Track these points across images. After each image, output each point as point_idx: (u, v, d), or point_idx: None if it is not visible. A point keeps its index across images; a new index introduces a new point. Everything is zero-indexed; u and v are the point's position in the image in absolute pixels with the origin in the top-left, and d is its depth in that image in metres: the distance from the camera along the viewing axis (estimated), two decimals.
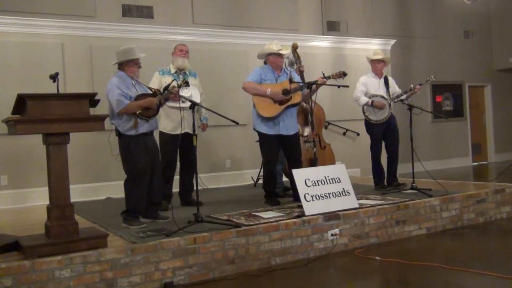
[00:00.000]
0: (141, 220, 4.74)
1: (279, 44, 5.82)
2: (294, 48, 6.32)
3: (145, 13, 8.18)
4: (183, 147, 5.64)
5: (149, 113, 4.74)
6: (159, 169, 4.98)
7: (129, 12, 8.07)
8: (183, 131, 5.58)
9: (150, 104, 4.72)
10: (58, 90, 3.97)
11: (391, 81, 6.79)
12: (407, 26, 11.52)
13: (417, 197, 5.60)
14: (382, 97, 6.53)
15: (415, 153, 6.11)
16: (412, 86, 6.55)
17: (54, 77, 3.98)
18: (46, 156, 3.89)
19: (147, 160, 4.77)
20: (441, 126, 12.00)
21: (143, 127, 4.73)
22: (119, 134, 4.72)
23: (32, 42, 7.15)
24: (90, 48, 7.51)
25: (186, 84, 5.01)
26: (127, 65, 4.78)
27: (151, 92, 4.89)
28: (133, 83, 4.81)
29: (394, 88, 6.77)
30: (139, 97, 4.72)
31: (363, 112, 6.61)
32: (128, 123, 4.66)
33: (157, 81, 5.77)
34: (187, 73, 5.97)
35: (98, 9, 7.81)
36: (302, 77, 6.16)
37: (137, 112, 4.66)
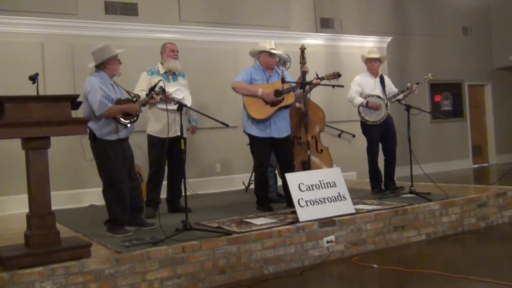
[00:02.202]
0: (126, 229, 4.72)
1: (272, 43, 5.82)
2: (302, 50, 6.32)
3: (129, 10, 8.16)
4: (172, 151, 5.63)
5: (130, 119, 4.75)
6: (135, 174, 5.01)
7: (112, 9, 8.04)
8: (174, 134, 5.58)
9: (132, 110, 4.73)
10: (38, 92, 3.95)
11: (387, 80, 6.82)
12: (404, 23, 11.57)
13: (416, 202, 5.63)
14: (378, 97, 6.56)
15: (413, 155, 6.13)
16: (409, 85, 6.59)
17: (33, 78, 3.96)
18: (26, 161, 3.87)
19: (125, 166, 4.77)
20: (440, 127, 12.06)
21: (122, 133, 4.73)
22: (93, 138, 4.67)
23: (10, 42, 7.09)
24: (72, 47, 7.46)
25: (163, 92, 5.03)
26: (109, 63, 4.75)
27: (128, 94, 4.91)
28: (112, 84, 4.81)
29: (391, 87, 6.79)
30: (120, 101, 4.72)
31: (359, 113, 6.62)
32: (106, 127, 4.64)
33: (146, 82, 5.75)
34: (176, 73, 5.96)
35: (79, 6, 7.76)
36: (304, 78, 6.15)
37: (118, 117, 4.65)
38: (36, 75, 3.99)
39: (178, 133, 5.50)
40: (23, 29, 7.19)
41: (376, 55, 6.71)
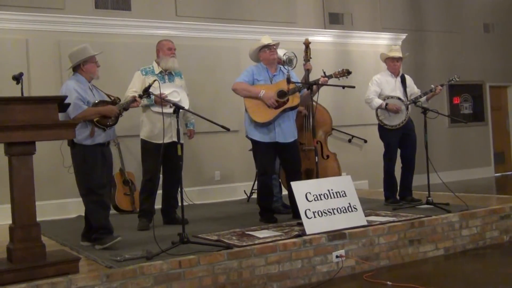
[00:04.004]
0: (113, 235, 4.75)
1: (269, 38, 5.86)
2: (306, 44, 6.33)
3: (121, 4, 8.19)
4: (168, 157, 5.64)
5: (108, 121, 4.81)
6: (110, 185, 5.09)
7: (103, 3, 8.06)
8: (169, 140, 5.59)
9: (109, 112, 4.81)
10: (22, 93, 3.96)
11: (408, 80, 6.79)
12: (420, 18, 11.58)
13: (434, 213, 5.62)
14: (399, 98, 6.54)
15: (431, 162, 6.12)
16: (432, 86, 6.56)
17: (17, 78, 3.98)
18: (9, 168, 3.87)
19: (104, 173, 4.86)
20: (459, 132, 12.05)
21: (100, 137, 4.80)
22: (72, 143, 4.78)
23: None
24: (59, 44, 7.48)
25: (148, 96, 5.14)
26: (85, 65, 4.86)
27: (109, 99, 4.97)
28: (90, 87, 4.90)
29: (413, 88, 6.77)
30: (97, 104, 4.80)
31: (377, 116, 6.60)
32: (84, 131, 4.72)
33: (140, 82, 5.74)
34: (173, 73, 5.97)
35: (67, 0, 7.79)
36: (307, 76, 6.16)
37: (95, 120, 4.72)
38: (21, 74, 4.01)
39: (174, 139, 5.54)
40: (6, 24, 7.21)
41: (400, 54, 6.68)
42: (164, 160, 5.71)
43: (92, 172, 4.75)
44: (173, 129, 5.58)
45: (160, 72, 5.89)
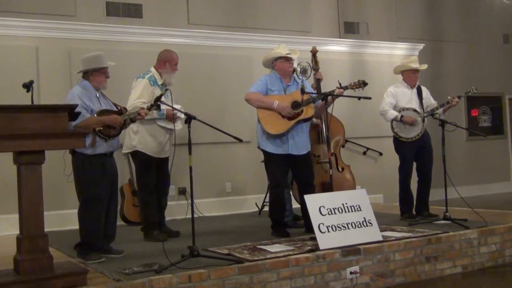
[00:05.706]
0: (98, 254, 4.76)
1: (286, 48, 5.87)
2: (313, 53, 6.35)
3: (133, 12, 8.25)
4: (161, 170, 5.75)
5: (110, 132, 4.81)
6: (116, 196, 5.08)
7: (114, 11, 8.13)
8: (164, 156, 5.63)
9: (113, 122, 4.80)
10: (32, 101, 3.99)
11: (425, 92, 6.77)
12: (437, 28, 11.56)
13: (451, 229, 5.58)
14: (414, 110, 6.52)
15: (448, 176, 6.09)
16: (449, 98, 6.53)
17: (28, 86, 4.03)
18: (17, 178, 3.90)
19: (104, 184, 4.85)
20: (477, 145, 11.97)
21: (101, 147, 4.81)
22: (73, 151, 4.79)
23: (1, 46, 7.19)
24: (69, 52, 7.54)
25: (158, 108, 5.15)
26: (93, 74, 4.89)
27: (116, 108, 4.98)
28: (98, 95, 4.91)
29: (429, 100, 6.75)
30: (102, 113, 4.80)
31: (392, 128, 6.58)
32: (86, 141, 4.69)
33: (149, 93, 5.62)
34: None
35: (78, 7, 7.86)
36: (318, 86, 6.17)
37: (97, 129, 4.72)
38: (31, 82, 4.06)
39: (168, 155, 5.73)
40: (16, 31, 7.29)
41: (418, 66, 6.65)
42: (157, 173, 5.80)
43: (89, 182, 4.75)
44: (168, 145, 5.72)
45: (162, 84, 5.81)
